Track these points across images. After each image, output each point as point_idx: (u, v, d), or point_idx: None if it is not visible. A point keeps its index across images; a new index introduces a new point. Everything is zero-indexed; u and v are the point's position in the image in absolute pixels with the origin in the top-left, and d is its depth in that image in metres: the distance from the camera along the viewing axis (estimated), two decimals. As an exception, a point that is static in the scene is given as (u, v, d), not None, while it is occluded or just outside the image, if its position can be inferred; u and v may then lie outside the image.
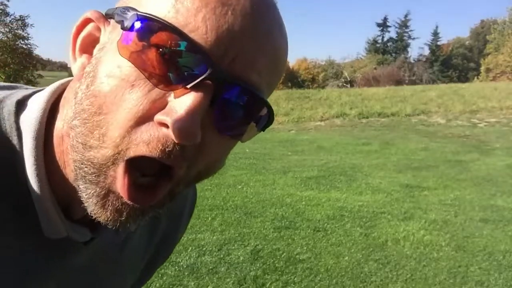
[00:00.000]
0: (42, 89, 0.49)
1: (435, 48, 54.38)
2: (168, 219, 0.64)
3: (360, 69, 45.21)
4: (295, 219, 4.66)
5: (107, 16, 0.43)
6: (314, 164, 7.76)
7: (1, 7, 29.22)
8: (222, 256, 3.62)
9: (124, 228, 0.41)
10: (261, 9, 0.39)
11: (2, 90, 0.48)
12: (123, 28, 0.37)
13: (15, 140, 0.43)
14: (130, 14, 0.37)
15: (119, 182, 0.38)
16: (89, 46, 0.43)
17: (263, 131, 0.45)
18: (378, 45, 57.25)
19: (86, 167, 0.39)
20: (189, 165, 0.39)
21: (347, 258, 3.66)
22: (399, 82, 35.07)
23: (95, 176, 0.39)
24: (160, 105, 0.37)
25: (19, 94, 0.47)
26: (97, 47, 0.42)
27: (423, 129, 13.22)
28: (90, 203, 0.40)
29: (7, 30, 29.60)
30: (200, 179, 0.44)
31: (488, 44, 47.52)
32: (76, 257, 0.49)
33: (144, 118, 0.37)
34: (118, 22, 0.39)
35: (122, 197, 0.39)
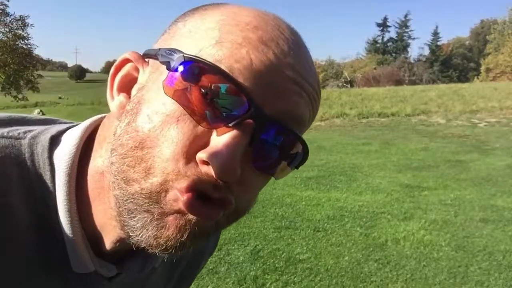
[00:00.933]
0: (76, 125, 0.50)
1: (435, 48, 54.39)
2: (191, 254, 0.65)
3: (360, 69, 45.20)
4: (295, 219, 4.66)
5: (145, 57, 0.44)
6: (314, 164, 7.75)
7: (1, 7, 29.24)
8: (222, 256, 3.62)
9: (183, 251, 0.41)
10: (297, 52, 0.41)
11: (38, 126, 0.50)
12: (168, 68, 0.39)
13: (47, 176, 0.45)
14: (176, 55, 0.39)
15: (182, 199, 0.38)
16: (127, 85, 0.45)
17: (297, 168, 0.46)
18: (378, 45, 57.27)
19: (134, 200, 0.39)
20: (232, 199, 0.40)
21: (347, 258, 3.66)
22: (399, 82, 35.07)
23: (148, 204, 0.39)
24: (202, 142, 0.38)
25: (53, 129, 0.48)
26: (136, 86, 0.44)
27: (423, 129, 13.21)
28: (147, 230, 0.40)
29: (7, 30, 29.62)
30: (238, 217, 0.44)
31: (488, 44, 47.54)
32: None
33: (190, 153, 0.38)
34: (163, 63, 0.40)
35: (185, 214, 0.39)
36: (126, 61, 0.46)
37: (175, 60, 0.39)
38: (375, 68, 43.18)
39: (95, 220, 0.46)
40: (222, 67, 0.38)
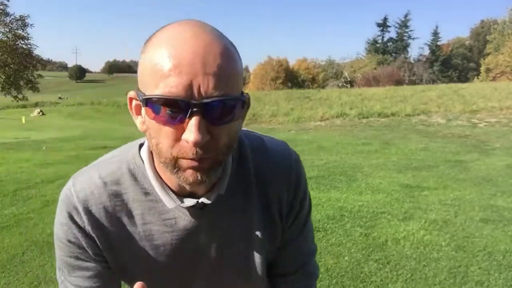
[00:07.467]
0: (143, 141, 0.83)
1: (435, 48, 54.39)
2: (275, 181, 0.86)
3: (360, 69, 45.18)
4: (295, 219, 4.65)
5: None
6: (314, 164, 7.76)
7: (1, 7, 29.23)
8: (222, 256, 3.61)
9: (203, 183, 0.68)
10: (200, 53, 0.61)
11: (126, 149, 0.85)
12: (144, 105, 0.65)
13: (140, 163, 0.80)
14: (141, 97, 0.65)
15: (186, 161, 0.65)
16: (138, 110, 0.72)
17: (247, 108, 0.72)
18: (378, 45, 57.25)
19: (165, 166, 0.68)
20: (215, 147, 0.65)
21: (347, 258, 3.66)
22: (399, 82, 35.07)
23: (170, 166, 0.67)
24: (180, 133, 0.64)
25: (135, 144, 0.83)
26: (142, 110, 0.69)
27: (423, 129, 13.22)
28: (176, 177, 0.68)
29: (7, 30, 29.62)
30: (230, 148, 0.69)
31: (488, 44, 47.53)
32: (200, 217, 0.80)
33: (177, 139, 0.65)
34: (140, 101, 0.66)
35: (191, 166, 0.66)
36: (131, 98, 0.72)
37: (141, 100, 0.64)
38: (375, 68, 43.13)
39: (169, 178, 0.76)
40: (164, 95, 0.61)
